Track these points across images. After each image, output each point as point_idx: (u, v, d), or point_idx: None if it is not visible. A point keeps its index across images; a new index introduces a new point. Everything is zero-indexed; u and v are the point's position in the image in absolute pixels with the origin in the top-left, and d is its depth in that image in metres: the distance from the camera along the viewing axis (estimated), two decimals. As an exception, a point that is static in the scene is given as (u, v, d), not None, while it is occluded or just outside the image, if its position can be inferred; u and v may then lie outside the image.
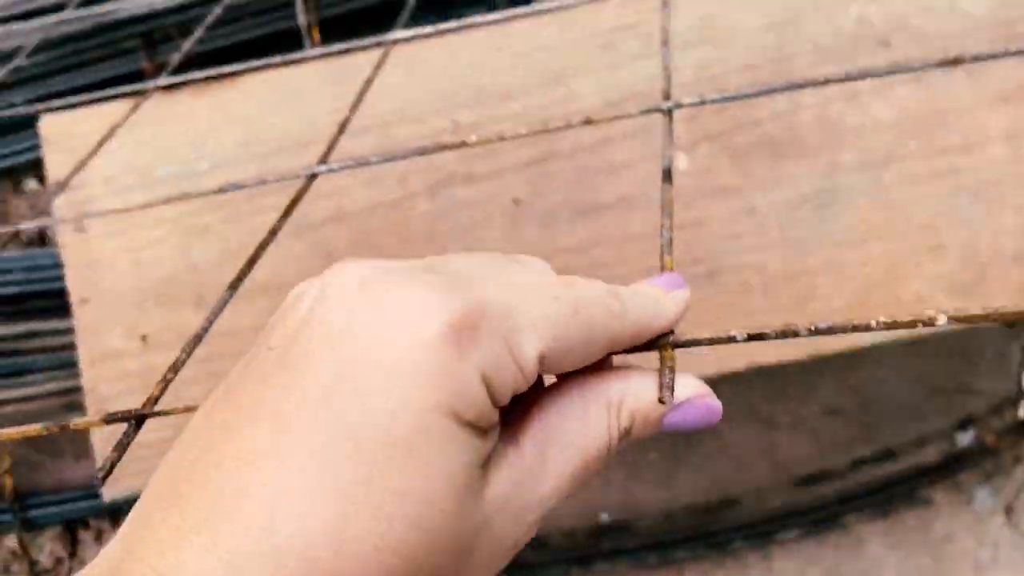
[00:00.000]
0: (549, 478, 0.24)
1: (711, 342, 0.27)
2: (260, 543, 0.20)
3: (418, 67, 0.89)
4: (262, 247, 0.39)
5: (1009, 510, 1.24)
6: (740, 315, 0.85)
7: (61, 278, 0.90)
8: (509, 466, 0.24)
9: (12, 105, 1.06)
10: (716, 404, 0.27)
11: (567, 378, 0.26)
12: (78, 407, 1.05)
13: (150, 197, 0.85)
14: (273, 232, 0.39)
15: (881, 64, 0.86)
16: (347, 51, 0.71)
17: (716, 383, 0.28)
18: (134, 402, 0.86)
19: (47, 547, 1.13)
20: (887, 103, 0.86)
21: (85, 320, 0.86)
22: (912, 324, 0.25)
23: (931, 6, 0.86)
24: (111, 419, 0.31)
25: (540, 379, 0.27)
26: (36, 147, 1.02)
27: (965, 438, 1.23)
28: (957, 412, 1.24)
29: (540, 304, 0.24)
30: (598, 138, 0.88)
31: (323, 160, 0.44)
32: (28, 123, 1.08)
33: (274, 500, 0.20)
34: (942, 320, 0.25)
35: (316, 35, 0.97)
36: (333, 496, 0.20)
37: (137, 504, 0.22)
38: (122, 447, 0.29)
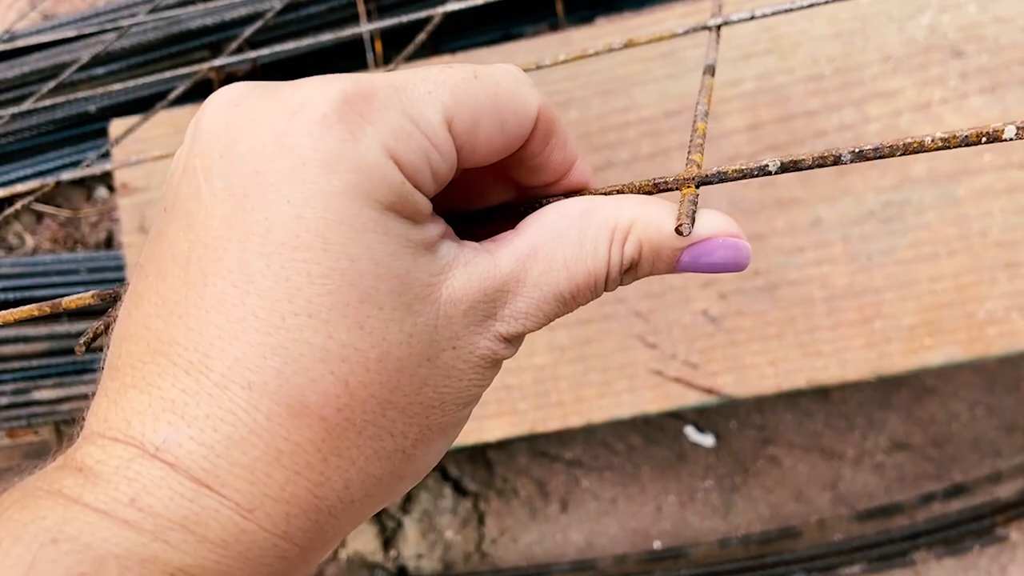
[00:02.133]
0: (528, 294, 0.22)
1: (740, 175, 0.24)
2: (200, 383, 0.19)
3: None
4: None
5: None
6: (801, 331, 0.82)
7: (124, 280, 0.92)
8: (478, 273, 0.22)
9: (86, 112, 1.10)
10: (745, 245, 0.23)
11: (572, 201, 0.24)
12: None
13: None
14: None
15: (954, 74, 0.83)
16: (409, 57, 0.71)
17: (772, 408, 0.25)
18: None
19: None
20: (959, 114, 0.82)
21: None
22: (975, 140, 0.22)
23: (1005, 15, 0.83)
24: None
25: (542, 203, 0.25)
26: (108, 155, 1.06)
27: (1044, 478, 1.16)
28: (1036, 450, 1.17)
29: (435, 74, 0.22)
30: (657, 148, 0.86)
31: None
32: (101, 132, 1.12)
33: (203, 341, 0.19)
34: (1010, 132, 0.22)
35: (379, 46, 0.98)
36: (261, 320, 0.19)
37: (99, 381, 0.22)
38: (106, 324, 0.28)
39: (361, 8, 0.97)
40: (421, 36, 0.62)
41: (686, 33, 0.40)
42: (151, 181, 0.92)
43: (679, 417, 1.18)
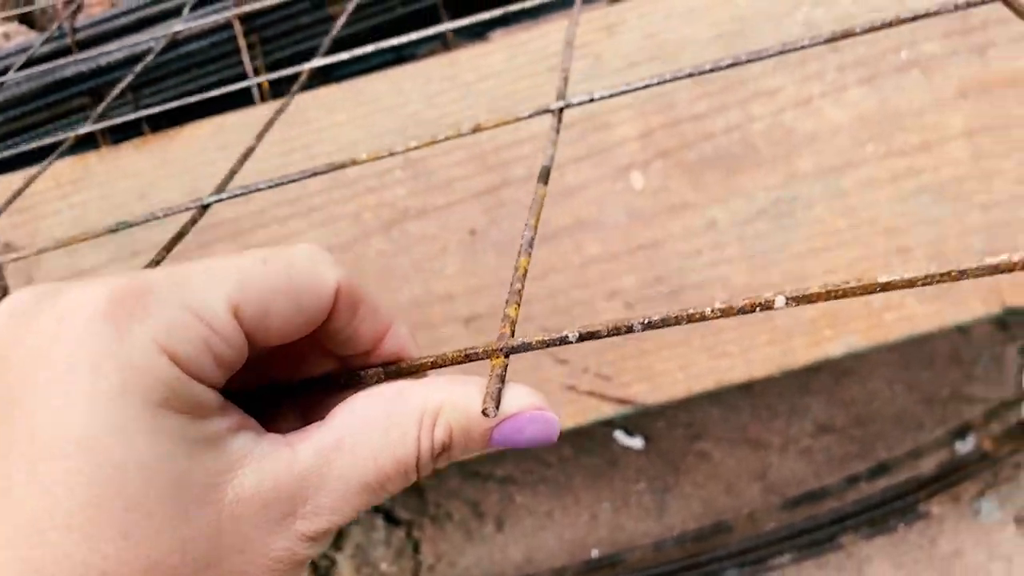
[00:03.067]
0: (333, 487, 0.22)
1: (544, 344, 0.24)
2: None
3: (364, 104, 0.88)
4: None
5: (1019, 520, 1.19)
6: (707, 334, 0.83)
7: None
8: (272, 469, 0.21)
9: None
10: (553, 417, 0.23)
11: (382, 386, 0.24)
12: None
13: (100, 254, 0.84)
14: (155, 261, 0.37)
15: (832, 67, 0.84)
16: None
17: (698, 404, 0.25)
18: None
19: None
20: (840, 107, 0.84)
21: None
22: (751, 309, 0.23)
23: (879, 5, 0.84)
24: None
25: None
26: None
27: (964, 446, 1.19)
28: (954, 420, 1.20)
29: (220, 263, 0.22)
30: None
31: (219, 190, 0.43)
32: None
33: None
34: (780, 302, 0.22)
35: (266, 84, 0.96)
36: (22, 535, 0.18)
37: None
38: None
39: (242, 42, 0.95)
40: (295, 87, 0.61)
41: (530, 116, 0.40)
42: (37, 240, 0.89)
43: (608, 423, 1.19)
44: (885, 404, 1.22)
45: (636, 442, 1.15)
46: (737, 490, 1.13)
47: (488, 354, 0.24)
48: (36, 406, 0.19)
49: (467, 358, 0.25)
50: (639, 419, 1.18)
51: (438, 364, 0.25)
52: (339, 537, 1.13)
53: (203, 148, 0.88)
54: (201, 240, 0.86)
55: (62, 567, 0.18)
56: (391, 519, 1.13)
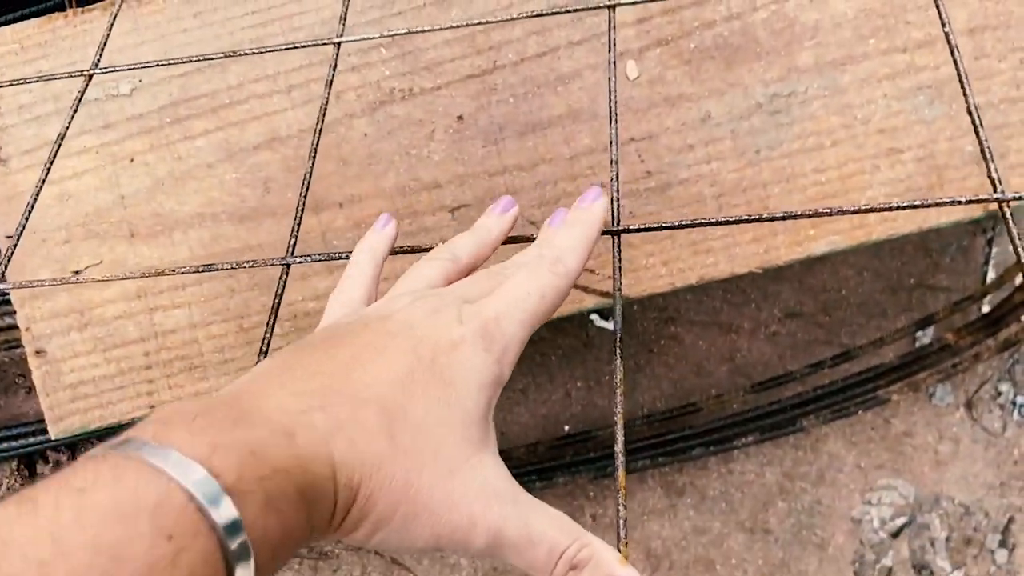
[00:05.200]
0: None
1: None
2: (343, 388, 0.32)
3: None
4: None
5: (969, 404, 1.26)
6: (692, 230, 0.83)
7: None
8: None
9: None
10: None
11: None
12: (18, 345, 1.02)
13: (65, 123, 0.80)
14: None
15: (839, -43, 0.81)
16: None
17: (674, 292, 0.26)
18: (71, 340, 0.83)
19: (4, 482, 1.13)
20: (846, -1, 0.81)
21: (13, 257, 0.82)
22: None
23: None
24: None
25: None
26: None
27: (925, 336, 1.23)
28: (918, 310, 1.24)
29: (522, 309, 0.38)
30: (544, 47, 0.83)
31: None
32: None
33: (348, 365, 0.33)
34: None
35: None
36: (394, 373, 0.33)
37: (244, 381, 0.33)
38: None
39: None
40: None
41: (581, 10, 0.38)
42: (1, 106, 0.85)
43: (584, 303, 1.20)
44: (852, 292, 1.25)
45: (611, 324, 1.18)
46: (706, 372, 1.16)
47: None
48: (457, 381, 0.34)
49: None
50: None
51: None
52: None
53: (177, 14, 0.83)
54: (177, 115, 0.83)
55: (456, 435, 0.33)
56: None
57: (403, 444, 0.31)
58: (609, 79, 0.48)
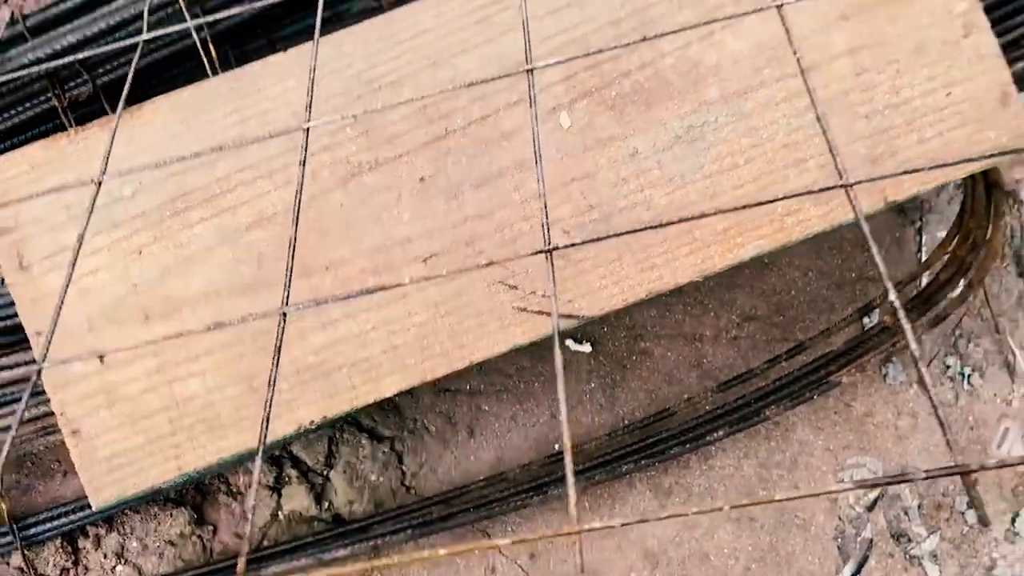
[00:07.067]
0: None
1: None
2: None
3: (310, 69, 0.95)
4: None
5: (920, 381, 1.37)
6: (636, 250, 0.95)
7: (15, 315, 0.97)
8: None
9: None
10: None
11: None
12: (54, 430, 1.13)
13: (82, 229, 0.92)
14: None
15: (729, 4, 0.94)
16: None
17: (637, 308, 0.35)
18: (102, 418, 0.94)
19: (51, 560, 1.22)
20: (739, 37, 0.94)
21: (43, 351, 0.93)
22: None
23: (766, -57, 0.94)
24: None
25: None
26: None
27: (870, 322, 1.35)
28: (861, 299, 1.36)
29: None
30: (487, 110, 0.95)
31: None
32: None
33: None
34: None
35: (213, 51, 1.03)
36: None
37: None
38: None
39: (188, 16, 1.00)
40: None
41: (503, 77, 0.49)
42: (19, 220, 0.96)
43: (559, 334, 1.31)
44: (801, 291, 1.36)
45: (585, 347, 1.29)
46: (677, 379, 1.27)
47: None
48: None
49: None
50: (585, 327, 1.31)
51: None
52: (330, 456, 1.25)
53: (166, 123, 0.96)
54: (176, 208, 0.94)
55: None
56: (375, 436, 1.26)
57: None
58: (533, 128, 0.60)
